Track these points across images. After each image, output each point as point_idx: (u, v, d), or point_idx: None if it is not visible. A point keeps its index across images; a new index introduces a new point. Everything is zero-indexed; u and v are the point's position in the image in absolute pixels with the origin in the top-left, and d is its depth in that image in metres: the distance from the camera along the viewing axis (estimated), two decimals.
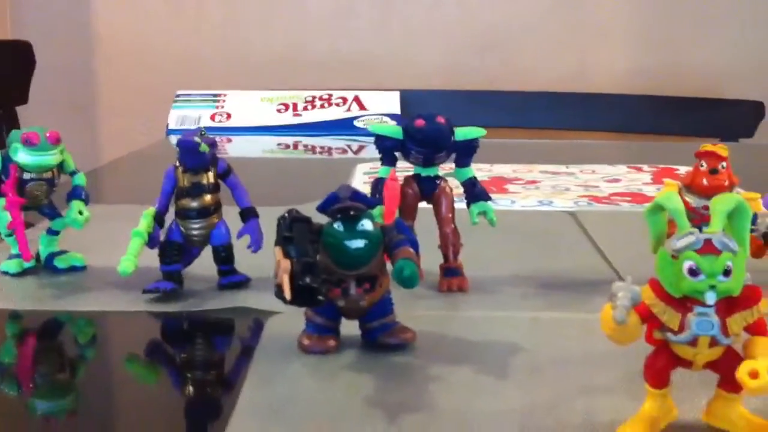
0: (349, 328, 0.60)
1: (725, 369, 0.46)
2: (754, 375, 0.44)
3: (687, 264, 0.45)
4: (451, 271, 0.73)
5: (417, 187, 0.73)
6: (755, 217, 0.71)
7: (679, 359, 0.47)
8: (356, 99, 1.70)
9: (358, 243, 0.57)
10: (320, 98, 1.71)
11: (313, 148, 1.59)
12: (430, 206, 0.74)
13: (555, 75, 2.12)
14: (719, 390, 0.48)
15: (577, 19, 2.14)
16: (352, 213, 0.57)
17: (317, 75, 1.99)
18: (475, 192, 0.74)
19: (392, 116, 1.68)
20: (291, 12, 2.11)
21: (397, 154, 0.74)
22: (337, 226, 0.57)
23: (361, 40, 2.10)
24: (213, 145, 0.70)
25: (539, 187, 1.14)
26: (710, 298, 0.45)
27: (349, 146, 1.58)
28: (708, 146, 0.74)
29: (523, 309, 0.69)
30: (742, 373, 0.44)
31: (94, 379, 0.60)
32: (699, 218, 0.74)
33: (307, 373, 0.56)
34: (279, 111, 1.69)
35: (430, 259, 0.74)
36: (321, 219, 0.58)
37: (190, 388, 0.58)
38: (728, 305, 0.46)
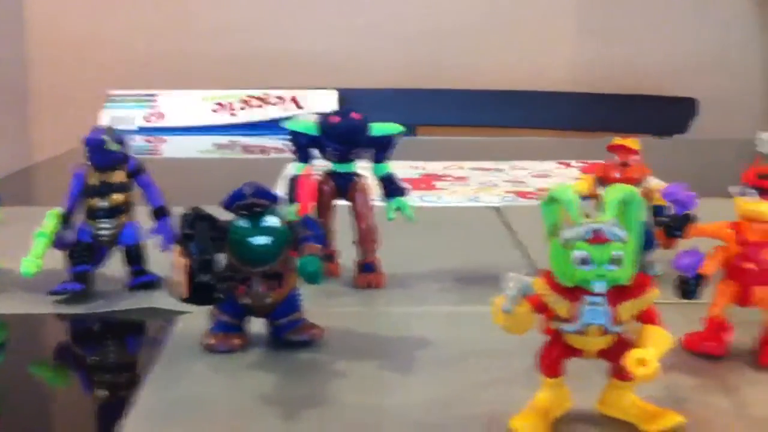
0: (259, 325, 0.60)
1: (617, 358, 0.47)
2: (642, 363, 0.44)
3: (576, 253, 0.45)
4: (367, 267, 0.73)
5: (333, 184, 0.73)
6: (662, 208, 0.72)
7: (571, 349, 0.48)
8: (293, 98, 1.70)
9: (263, 239, 0.56)
10: (257, 98, 1.70)
11: (250, 147, 1.58)
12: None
13: (497, 73, 2.13)
14: (611, 378, 0.49)
15: (517, 18, 2.16)
16: (256, 209, 0.56)
17: (255, 74, 1.97)
18: (391, 188, 0.74)
19: None
20: (227, 10, 2.09)
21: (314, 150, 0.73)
22: (242, 222, 0.56)
23: (301, 39, 2.09)
24: (122, 142, 0.69)
25: (468, 184, 1.15)
26: (599, 286, 0.45)
27: (286, 145, 1.57)
28: (619, 140, 0.75)
29: (437, 304, 0.69)
30: (630, 361, 0.45)
31: None
32: None
33: (210, 372, 0.55)
34: (214, 111, 1.67)
35: (348, 255, 0.75)
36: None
37: (93, 390, 0.57)
38: (618, 294, 0.46)
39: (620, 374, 0.47)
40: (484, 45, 2.15)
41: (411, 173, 1.22)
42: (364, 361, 0.57)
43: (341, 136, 0.70)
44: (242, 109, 1.67)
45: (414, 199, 1.06)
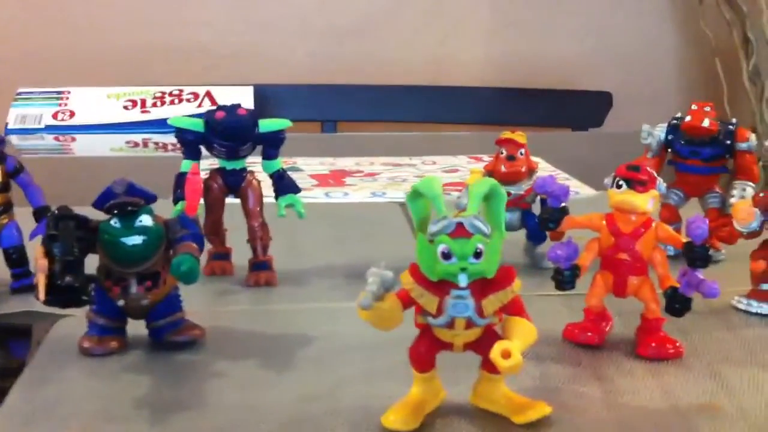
0: (142, 327, 0.58)
1: (485, 350, 0.47)
2: (506, 355, 0.45)
3: (440, 247, 0.45)
4: (259, 266, 0.72)
5: (222, 181, 0.72)
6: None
7: (440, 342, 0.48)
8: (208, 94, 1.67)
9: (136, 239, 0.55)
10: (170, 94, 1.66)
11: (165, 145, 1.54)
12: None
13: (412, 67, 2.13)
14: (482, 371, 0.49)
15: (432, 12, 2.16)
16: (129, 209, 0.55)
17: (168, 70, 1.93)
18: (282, 184, 0.73)
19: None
20: (140, 4, 2.04)
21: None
22: (114, 222, 0.55)
23: (215, 33, 2.05)
24: (0, 141, 0.67)
25: (376, 179, 1.15)
26: (462, 280, 0.45)
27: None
28: (507, 134, 0.75)
29: (327, 300, 0.68)
30: (495, 353, 0.45)
31: None
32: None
33: (83, 376, 0.54)
34: (126, 108, 1.63)
35: (241, 254, 0.74)
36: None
37: None
38: (483, 287, 0.46)
39: (489, 367, 0.47)
40: (402, 40, 2.15)
41: (321, 169, 1.21)
42: (244, 360, 0.56)
43: (227, 133, 0.69)
44: (155, 105, 1.64)
45: (320, 195, 1.06)
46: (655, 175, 0.57)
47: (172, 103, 1.65)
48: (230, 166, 0.72)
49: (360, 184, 1.12)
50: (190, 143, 0.70)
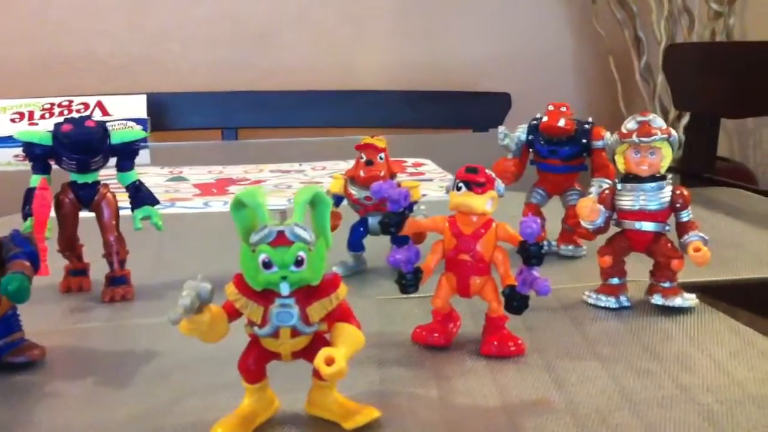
0: None
1: (314, 358, 0.47)
2: (329, 362, 0.45)
3: (261, 257, 0.45)
4: (116, 280, 0.71)
5: (73, 195, 0.70)
6: (411, 205, 0.73)
7: (269, 352, 0.48)
8: (99, 104, 1.64)
9: None
10: (59, 105, 1.62)
11: None
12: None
13: (317, 73, 2.13)
14: (314, 379, 0.49)
15: (336, 18, 2.17)
16: None
17: (63, 82, 1.89)
18: (138, 196, 0.72)
19: (139, 121, 1.62)
20: (30, 15, 1.99)
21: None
22: None
23: (111, 43, 2.01)
24: None
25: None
26: (284, 288, 0.45)
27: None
28: (367, 139, 0.76)
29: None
30: (318, 360, 0.45)
31: None
32: (363, 209, 0.76)
33: None
34: (13, 120, 1.59)
35: (99, 269, 0.72)
36: None
37: None
38: (308, 294, 0.46)
39: (318, 374, 0.47)
40: (307, 46, 2.15)
41: (206, 178, 1.20)
42: (82, 379, 0.55)
43: (75, 146, 0.68)
44: (43, 118, 1.60)
45: (199, 204, 1.05)
46: (494, 176, 0.58)
47: (61, 114, 1.61)
48: (82, 179, 0.70)
49: (266, 194, 1.11)
50: (38, 157, 0.69)
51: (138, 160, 0.72)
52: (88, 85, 1.86)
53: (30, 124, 1.59)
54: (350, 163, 1.32)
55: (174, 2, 2.05)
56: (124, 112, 1.62)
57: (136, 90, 1.77)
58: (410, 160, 1.34)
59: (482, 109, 2.11)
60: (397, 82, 2.19)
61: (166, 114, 1.85)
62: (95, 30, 1.99)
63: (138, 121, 1.63)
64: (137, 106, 1.65)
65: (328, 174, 1.24)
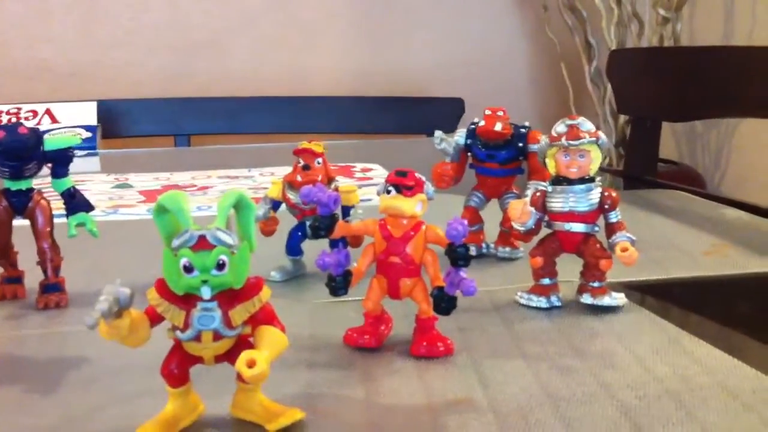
0: None
1: (236, 361, 0.47)
2: (251, 364, 0.45)
3: (182, 261, 0.45)
4: (50, 287, 0.70)
5: (6, 202, 0.70)
6: (348, 209, 0.74)
7: (191, 356, 0.48)
8: (48, 111, 1.62)
9: None
10: (7, 113, 1.60)
11: None
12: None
13: (268, 79, 2.13)
14: (238, 382, 0.49)
15: (287, 25, 2.17)
16: None
17: (12, 89, 1.87)
18: (73, 203, 0.71)
19: (88, 128, 1.61)
20: None
21: None
22: None
23: (60, 51, 1.99)
24: None
25: (207, 193, 1.14)
26: (205, 292, 0.46)
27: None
28: (304, 143, 0.76)
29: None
30: (240, 363, 0.45)
31: None
32: (301, 213, 0.76)
33: None
34: None
35: (35, 276, 0.72)
36: None
37: None
38: (230, 298, 0.47)
39: (242, 377, 0.48)
40: (258, 52, 2.15)
41: (152, 185, 1.19)
42: (8, 386, 0.55)
43: (7, 152, 0.67)
44: None
45: (142, 211, 1.05)
46: (423, 179, 0.59)
47: (9, 122, 1.59)
48: (15, 186, 0.70)
49: (189, 199, 1.10)
50: None
51: (87, 167, 0.72)
52: (38, 93, 1.84)
53: None
54: None
55: (122, 9, 2.04)
56: (73, 119, 1.61)
57: (86, 98, 1.76)
58: (359, 165, 1.34)
59: (436, 115, 2.12)
60: (349, 87, 2.20)
61: (117, 121, 1.84)
62: (43, 37, 1.97)
63: (88, 128, 1.61)
64: (87, 113, 1.64)
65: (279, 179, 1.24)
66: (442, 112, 2.11)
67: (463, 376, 0.55)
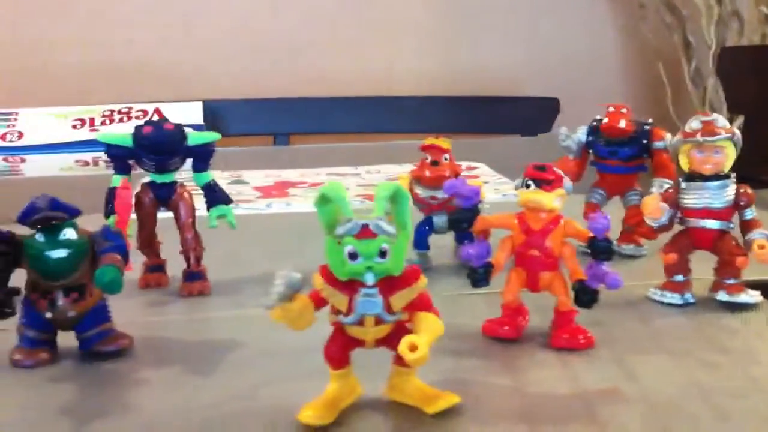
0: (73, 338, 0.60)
1: (396, 345, 0.49)
2: (413, 348, 0.47)
3: (347, 248, 0.47)
4: (192, 276, 0.74)
5: (152, 195, 0.73)
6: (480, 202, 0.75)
7: (353, 340, 0.50)
8: (157, 111, 1.68)
9: (60, 253, 0.56)
10: (119, 112, 1.67)
11: None
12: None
13: (363, 80, 2.16)
14: (394, 366, 0.51)
15: (379, 26, 2.19)
16: (52, 223, 0.56)
17: (118, 88, 1.94)
18: (213, 196, 0.74)
19: (196, 127, 1.66)
20: (87, 24, 2.04)
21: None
22: (38, 236, 0.56)
23: (166, 51, 2.06)
24: None
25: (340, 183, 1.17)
26: (369, 278, 0.48)
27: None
28: (431, 139, 0.78)
29: (254, 307, 0.69)
30: (402, 346, 0.47)
31: None
32: (428, 208, 0.78)
33: (10, 387, 0.55)
34: (75, 127, 1.64)
35: (177, 265, 0.75)
36: None
37: None
38: (390, 285, 0.49)
39: (400, 361, 0.50)
40: (352, 54, 2.18)
41: (265, 181, 1.23)
42: (168, 367, 0.58)
43: (154, 147, 0.71)
44: (104, 124, 1.65)
45: (261, 206, 1.08)
46: (562, 174, 0.60)
47: (121, 121, 1.66)
48: (160, 179, 0.73)
49: (303, 195, 1.14)
50: (119, 158, 0.72)
51: None
52: (143, 92, 1.90)
53: (91, 131, 1.63)
54: (404, 167, 1.35)
55: (224, 15, 2.10)
56: (181, 118, 1.66)
57: (190, 97, 1.81)
58: (463, 164, 1.35)
59: (530, 114, 2.11)
60: (442, 88, 2.20)
61: (219, 121, 1.89)
62: (152, 39, 2.04)
63: (195, 127, 1.66)
64: (194, 113, 1.69)
65: (384, 177, 1.26)
66: (536, 112, 2.10)
67: (608, 368, 0.56)
